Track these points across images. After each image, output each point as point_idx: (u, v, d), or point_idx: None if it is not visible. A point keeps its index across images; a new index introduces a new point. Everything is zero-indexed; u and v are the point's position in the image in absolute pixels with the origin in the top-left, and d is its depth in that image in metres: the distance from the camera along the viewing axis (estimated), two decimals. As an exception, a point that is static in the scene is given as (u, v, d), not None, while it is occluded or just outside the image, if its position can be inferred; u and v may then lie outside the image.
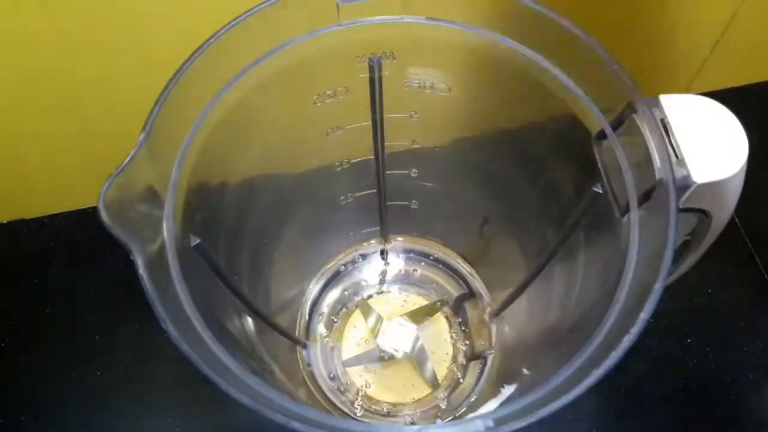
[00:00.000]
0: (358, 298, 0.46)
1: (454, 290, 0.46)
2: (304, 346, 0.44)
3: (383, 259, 0.48)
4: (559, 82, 0.29)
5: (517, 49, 0.30)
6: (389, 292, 0.46)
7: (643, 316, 0.22)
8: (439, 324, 0.45)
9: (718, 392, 0.43)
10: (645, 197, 0.26)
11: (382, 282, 0.47)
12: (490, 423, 0.21)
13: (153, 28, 0.38)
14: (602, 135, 0.29)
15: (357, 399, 0.42)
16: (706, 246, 0.33)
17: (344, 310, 0.46)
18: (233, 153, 0.33)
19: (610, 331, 0.24)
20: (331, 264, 0.47)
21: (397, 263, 0.48)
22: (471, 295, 0.46)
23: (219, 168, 0.33)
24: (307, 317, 0.45)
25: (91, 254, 0.48)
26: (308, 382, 0.43)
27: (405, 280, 0.47)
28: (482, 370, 0.43)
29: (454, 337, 0.44)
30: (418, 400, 0.42)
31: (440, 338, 0.44)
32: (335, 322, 0.45)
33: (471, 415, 0.42)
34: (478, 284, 0.46)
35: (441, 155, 0.41)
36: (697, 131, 0.27)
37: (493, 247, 0.47)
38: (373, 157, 0.41)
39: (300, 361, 0.43)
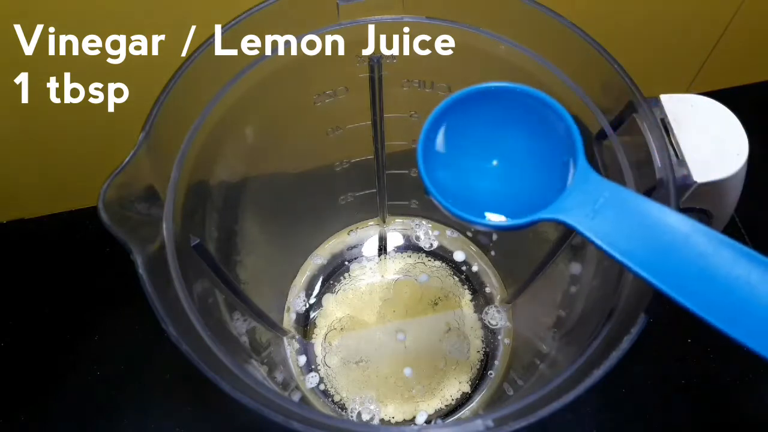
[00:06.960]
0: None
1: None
2: (305, 345, 0.44)
3: (381, 255, 0.48)
4: (559, 81, 0.29)
5: (517, 48, 0.30)
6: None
7: (643, 316, 0.22)
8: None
9: (718, 392, 0.43)
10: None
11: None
12: (490, 423, 0.21)
13: (153, 28, 0.38)
14: (602, 135, 0.29)
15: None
16: (706, 246, 0.33)
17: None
18: (233, 153, 0.33)
19: (610, 331, 0.24)
20: (332, 264, 0.47)
21: (397, 261, 0.48)
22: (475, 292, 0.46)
23: (219, 168, 0.33)
24: (307, 317, 0.45)
25: (91, 254, 0.48)
26: (307, 381, 0.43)
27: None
28: (485, 367, 0.43)
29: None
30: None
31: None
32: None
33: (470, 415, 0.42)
34: (484, 278, 0.46)
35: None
36: (697, 131, 0.27)
37: (494, 247, 0.47)
38: (373, 156, 0.41)
39: (300, 361, 0.43)
